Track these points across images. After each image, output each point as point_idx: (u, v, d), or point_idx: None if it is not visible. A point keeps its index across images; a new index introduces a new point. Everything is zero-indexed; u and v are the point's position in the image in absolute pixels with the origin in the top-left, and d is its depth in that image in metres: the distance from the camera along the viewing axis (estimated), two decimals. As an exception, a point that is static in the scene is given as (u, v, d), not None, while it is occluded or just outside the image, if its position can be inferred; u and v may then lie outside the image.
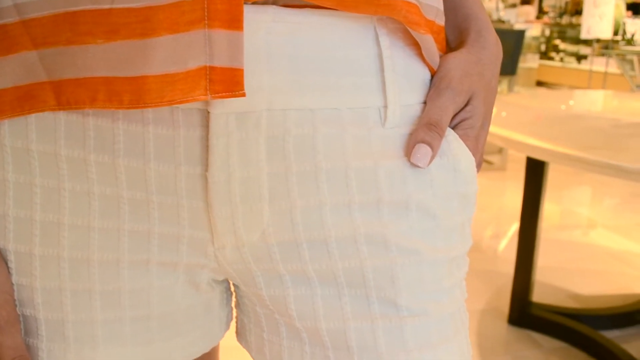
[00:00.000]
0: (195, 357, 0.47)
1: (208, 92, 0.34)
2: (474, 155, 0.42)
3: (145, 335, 0.43)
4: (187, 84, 0.33)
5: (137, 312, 0.42)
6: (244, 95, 0.34)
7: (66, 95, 0.35)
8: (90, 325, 0.41)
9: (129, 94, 0.34)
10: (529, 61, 5.30)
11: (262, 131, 0.37)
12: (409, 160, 0.39)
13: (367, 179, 0.38)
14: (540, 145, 1.40)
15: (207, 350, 0.47)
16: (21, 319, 0.41)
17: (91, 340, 0.41)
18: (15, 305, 0.41)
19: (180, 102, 0.33)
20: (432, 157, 0.39)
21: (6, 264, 0.40)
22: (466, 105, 0.42)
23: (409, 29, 0.38)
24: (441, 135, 0.40)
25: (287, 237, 0.39)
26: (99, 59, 0.33)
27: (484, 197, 3.24)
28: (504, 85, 4.50)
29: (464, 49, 0.44)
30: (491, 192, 3.35)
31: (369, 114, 0.39)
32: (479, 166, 0.44)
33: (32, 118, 0.37)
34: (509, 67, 3.69)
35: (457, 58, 0.42)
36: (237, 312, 0.49)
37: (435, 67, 0.42)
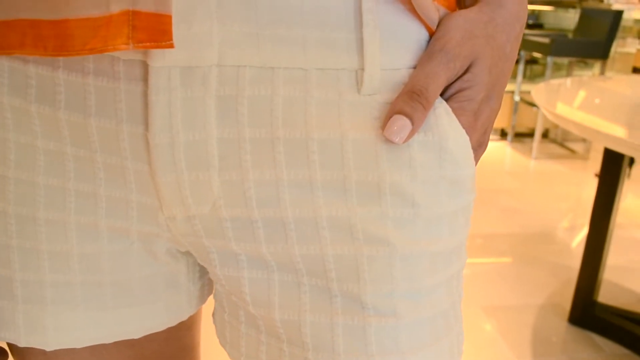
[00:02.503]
0: (159, 330, 0.44)
1: (130, 40, 0.30)
2: (470, 133, 0.36)
3: (98, 301, 0.40)
4: (109, 31, 0.29)
5: (88, 276, 0.39)
6: (171, 46, 0.30)
7: (0, 38, 0.32)
8: (39, 286, 0.39)
9: (53, 39, 0.30)
10: (628, 46, 4.92)
11: (211, 90, 0.32)
12: (383, 134, 0.33)
13: (331, 153, 0.33)
14: (616, 136, 1.27)
15: (172, 324, 0.44)
16: None
17: (40, 301, 0.39)
18: None
19: (101, 51, 0.30)
20: (412, 133, 0.33)
21: None
22: (465, 72, 0.35)
23: None
24: (425, 106, 0.33)
25: (240, 213, 0.35)
26: (27, 0, 0.30)
27: (563, 186, 3.06)
28: (595, 69, 4.21)
29: (476, 7, 0.37)
30: (571, 181, 3.16)
31: (341, 77, 0.33)
32: (479, 147, 0.38)
33: None
34: (600, 50, 3.43)
35: (461, 16, 0.36)
36: None
37: (434, 27, 0.36)
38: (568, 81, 2.13)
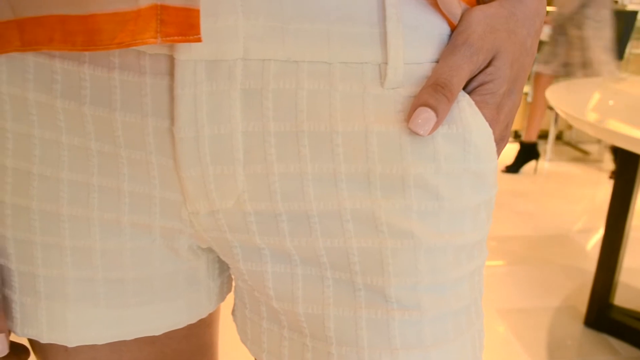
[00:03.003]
0: (179, 327, 0.44)
1: (158, 34, 0.30)
2: (493, 126, 0.36)
3: (120, 298, 0.40)
4: (137, 25, 0.30)
5: (111, 273, 0.39)
6: (199, 40, 0.30)
7: (28, 35, 0.32)
8: (62, 282, 0.39)
9: (81, 34, 0.30)
10: (644, 47, 4.88)
11: (237, 83, 0.32)
12: (408, 126, 0.33)
13: (356, 146, 0.33)
14: (631, 135, 1.26)
15: (192, 321, 0.44)
16: None
17: (62, 297, 0.39)
18: None
19: (129, 45, 0.30)
20: (437, 125, 0.33)
21: None
22: (487, 66, 0.35)
23: None
24: (450, 99, 0.33)
25: (265, 207, 0.35)
26: None
27: (577, 188, 3.04)
28: (609, 70, 4.17)
29: (496, 2, 0.37)
30: (585, 183, 3.14)
31: (365, 71, 0.33)
32: (501, 141, 0.37)
33: (3, 59, 0.35)
34: (615, 51, 3.41)
35: (482, 11, 0.36)
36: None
37: (456, 21, 0.36)
38: (582, 82, 2.11)
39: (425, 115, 0.32)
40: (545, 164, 3.40)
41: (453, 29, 0.36)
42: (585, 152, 3.65)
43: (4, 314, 0.39)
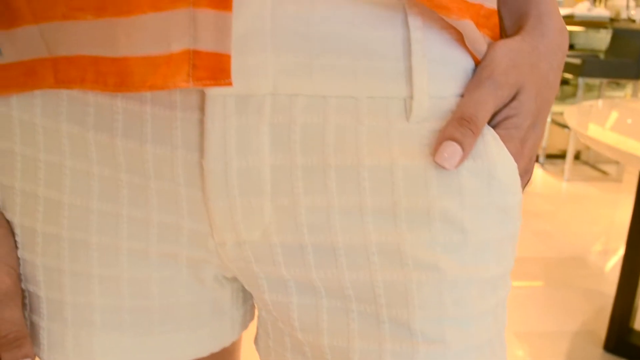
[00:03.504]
0: (203, 355, 0.44)
1: (190, 78, 0.31)
2: (517, 160, 0.36)
3: (146, 326, 0.40)
4: (169, 69, 0.30)
5: (137, 302, 0.39)
6: (230, 84, 0.31)
7: (61, 73, 0.33)
8: (89, 310, 0.39)
9: (113, 75, 0.31)
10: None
11: (265, 118, 0.33)
12: (434, 160, 0.33)
13: (382, 180, 0.34)
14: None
15: (216, 350, 0.44)
16: (27, 294, 0.40)
17: (89, 325, 0.40)
18: (20, 280, 0.40)
19: (161, 88, 0.31)
20: (462, 159, 0.33)
21: (14, 237, 0.40)
22: (512, 100, 0.36)
23: (437, 13, 0.33)
24: (475, 133, 0.34)
25: (291, 239, 0.35)
26: (88, 36, 0.32)
27: (595, 209, 3.01)
28: (627, 89, 4.15)
29: (519, 36, 0.37)
30: (604, 204, 3.11)
31: (390, 105, 0.33)
32: (525, 175, 0.38)
33: (38, 91, 0.36)
34: (632, 71, 3.39)
35: (505, 45, 0.36)
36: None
37: (480, 57, 0.36)
38: (600, 102, 2.11)
39: (451, 149, 0.33)
40: (563, 184, 3.37)
41: (477, 63, 0.36)
42: (603, 172, 3.62)
43: (30, 339, 0.40)
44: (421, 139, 0.34)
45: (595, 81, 4.10)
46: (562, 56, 0.38)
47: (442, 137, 0.33)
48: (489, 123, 0.36)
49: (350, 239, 0.34)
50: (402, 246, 0.34)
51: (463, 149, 0.33)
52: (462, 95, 0.35)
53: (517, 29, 0.39)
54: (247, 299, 0.45)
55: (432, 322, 0.35)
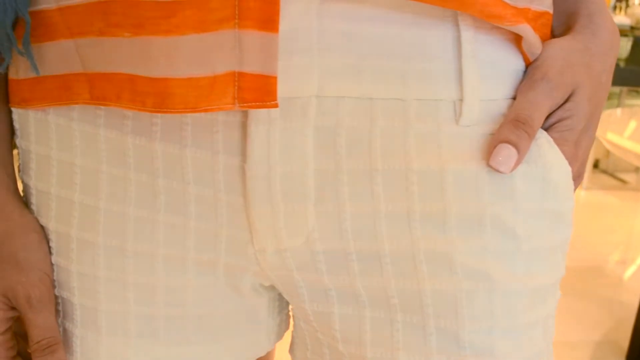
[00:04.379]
0: (237, 366, 0.43)
1: (236, 100, 0.30)
2: (571, 164, 0.35)
3: (180, 335, 0.39)
4: (213, 91, 0.30)
5: (173, 310, 0.38)
6: (276, 106, 0.30)
7: (96, 89, 0.33)
8: (123, 318, 0.38)
9: (152, 96, 0.31)
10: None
11: (310, 121, 0.32)
12: (487, 164, 0.32)
13: (431, 185, 0.32)
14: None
15: (251, 359, 0.43)
16: (60, 300, 0.40)
17: (124, 333, 0.39)
18: (54, 286, 0.39)
19: (205, 111, 0.30)
20: (518, 162, 0.32)
21: (48, 243, 0.39)
22: (566, 102, 0.34)
23: (492, 23, 0.32)
24: (530, 135, 0.32)
25: (335, 246, 0.34)
26: (125, 54, 0.31)
27: (614, 218, 2.97)
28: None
29: (569, 36, 0.36)
30: (622, 213, 3.07)
31: (440, 108, 0.32)
32: (578, 179, 0.36)
33: None
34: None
35: (558, 45, 0.35)
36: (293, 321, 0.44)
37: (533, 58, 0.35)
38: (618, 111, 2.08)
39: (506, 152, 0.32)
40: (581, 193, 3.33)
41: (527, 64, 0.35)
42: (622, 181, 3.57)
43: (63, 346, 0.39)
44: (471, 142, 0.33)
45: (615, 89, 4.06)
46: (614, 57, 0.37)
47: (496, 139, 0.32)
48: (541, 126, 0.34)
49: (397, 246, 0.33)
50: (452, 254, 0.33)
51: (519, 151, 0.32)
52: (513, 98, 0.34)
53: (566, 29, 0.37)
54: (282, 308, 0.44)
55: (481, 333, 0.34)
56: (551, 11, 0.37)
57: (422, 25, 0.32)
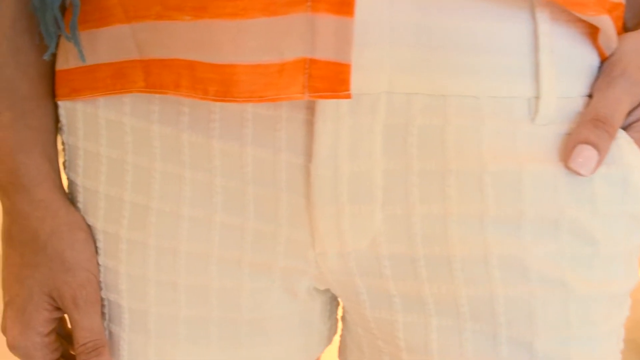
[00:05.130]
0: (287, 371, 0.41)
1: (306, 89, 0.28)
2: None
3: (233, 339, 0.38)
4: (281, 79, 0.28)
5: (225, 313, 0.37)
6: (349, 96, 0.28)
7: (153, 76, 0.31)
8: (174, 321, 0.37)
9: (215, 83, 0.29)
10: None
11: (380, 118, 0.30)
12: (565, 165, 0.31)
13: (507, 187, 0.31)
14: None
15: (302, 365, 0.42)
16: (106, 302, 0.38)
17: (174, 336, 0.37)
18: (100, 288, 0.38)
19: (272, 100, 0.28)
20: (599, 163, 0.31)
21: (95, 243, 0.37)
22: None
23: (572, 12, 0.30)
24: (611, 135, 0.31)
25: (402, 250, 0.32)
26: (185, 39, 0.29)
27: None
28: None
29: None
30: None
31: (514, 106, 0.31)
32: None
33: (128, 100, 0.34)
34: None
35: (632, 38, 0.33)
36: (342, 326, 0.43)
37: (609, 53, 0.33)
38: None
39: (587, 154, 0.30)
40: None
41: (603, 59, 0.33)
42: None
43: (109, 349, 0.38)
44: (547, 142, 0.31)
45: None
46: None
47: (576, 140, 0.31)
48: (620, 125, 0.33)
49: (469, 251, 0.31)
50: (526, 259, 0.31)
51: (599, 152, 0.30)
52: (589, 95, 0.32)
53: (638, 22, 0.36)
54: (332, 312, 0.43)
55: (556, 342, 0.32)
56: (624, 2, 0.35)
57: (496, 18, 0.30)
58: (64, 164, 0.39)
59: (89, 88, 0.34)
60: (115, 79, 0.33)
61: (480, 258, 0.31)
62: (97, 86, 0.34)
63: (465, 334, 0.33)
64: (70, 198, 0.38)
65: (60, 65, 0.36)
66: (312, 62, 0.28)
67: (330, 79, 0.28)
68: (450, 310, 0.33)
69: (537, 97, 0.31)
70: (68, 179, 0.38)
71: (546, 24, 0.30)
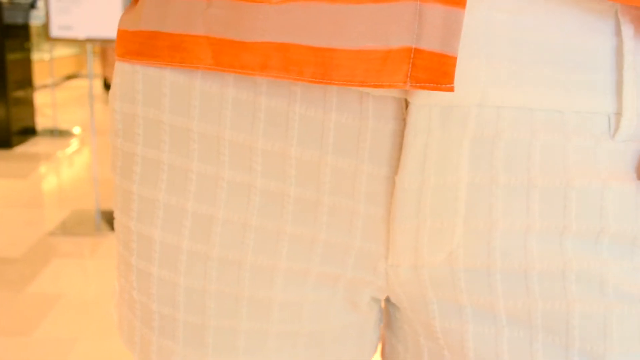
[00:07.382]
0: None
1: (408, 79, 0.27)
2: None
3: (290, 352, 0.37)
4: (384, 66, 0.27)
5: (286, 326, 0.36)
6: (452, 89, 0.27)
7: (228, 57, 0.30)
8: (233, 334, 0.36)
9: (312, 66, 0.28)
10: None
11: (469, 131, 0.30)
12: None
13: (591, 203, 0.31)
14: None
15: (352, 376, 0.41)
16: (156, 316, 0.37)
17: (232, 350, 0.36)
18: (153, 301, 0.36)
19: (374, 86, 0.28)
20: None
21: (149, 253, 0.36)
22: None
23: None
24: None
25: (479, 264, 0.32)
26: (272, 22, 0.28)
27: None
28: None
29: None
30: None
31: (595, 121, 0.31)
32: None
33: (197, 93, 0.33)
34: None
35: None
36: (386, 334, 0.42)
37: None
38: None
39: None
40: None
41: None
42: None
43: None
44: (627, 159, 0.31)
45: None
46: None
47: None
48: None
49: (547, 266, 0.31)
50: (605, 275, 0.31)
51: None
52: None
53: None
54: (381, 321, 0.42)
55: (629, 356, 0.32)
56: None
57: (583, 33, 0.30)
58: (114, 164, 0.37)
59: (148, 55, 0.33)
60: (174, 50, 0.32)
61: (559, 273, 0.31)
62: (160, 55, 0.33)
63: (536, 345, 0.33)
64: (121, 205, 0.37)
65: (126, 26, 0.35)
66: (417, 51, 0.27)
67: (433, 70, 0.27)
68: (523, 322, 0.33)
69: (618, 114, 0.31)
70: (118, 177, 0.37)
71: (631, 42, 0.31)
